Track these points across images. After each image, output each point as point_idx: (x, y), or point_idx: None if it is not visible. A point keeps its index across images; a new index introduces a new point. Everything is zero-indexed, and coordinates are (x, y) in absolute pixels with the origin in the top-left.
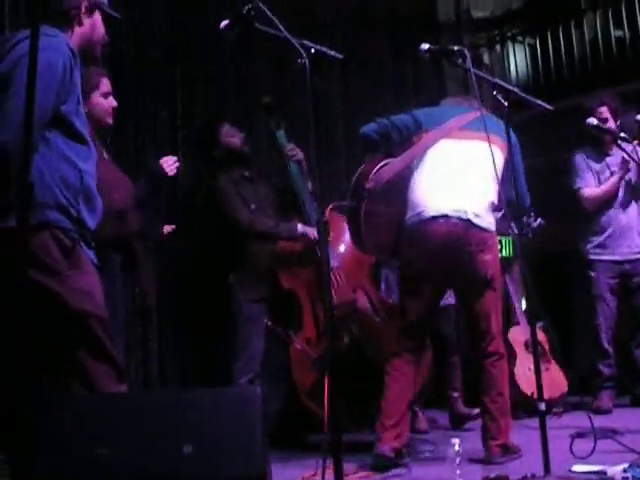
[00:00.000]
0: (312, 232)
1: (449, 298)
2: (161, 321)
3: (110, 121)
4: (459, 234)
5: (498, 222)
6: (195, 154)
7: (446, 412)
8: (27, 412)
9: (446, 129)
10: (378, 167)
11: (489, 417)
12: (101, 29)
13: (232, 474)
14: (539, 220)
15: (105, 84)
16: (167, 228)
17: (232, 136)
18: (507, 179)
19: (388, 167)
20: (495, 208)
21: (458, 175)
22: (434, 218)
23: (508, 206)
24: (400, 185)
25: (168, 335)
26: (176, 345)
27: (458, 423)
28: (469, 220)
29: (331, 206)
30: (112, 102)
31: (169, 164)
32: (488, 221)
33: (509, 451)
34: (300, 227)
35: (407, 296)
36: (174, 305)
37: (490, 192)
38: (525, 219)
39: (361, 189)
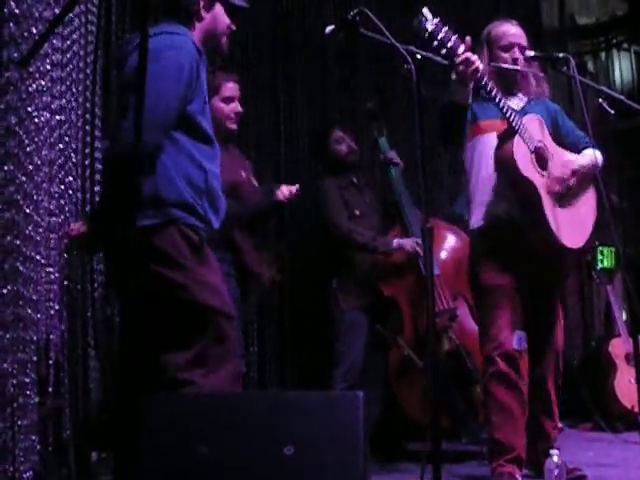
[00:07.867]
0: (409, 244)
1: None
2: (261, 326)
3: (232, 126)
4: None
5: None
6: (303, 157)
7: None
8: (129, 410)
9: None
10: None
11: None
12: (224, 21)
13: (332, 478)
14: None
15: (228, 88)
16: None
17: (339, 143)
18: None
19: None
20: None
21: None
22: None
23: None
24: None
25: (268, 340)
26: (276, 351)
27: None
28: None
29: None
30: (235, 107)
31: (286, 194)
32: None
33: None
34: (396, 241)
35: None
36: (275, 310)
37: None
38: None
39: None
